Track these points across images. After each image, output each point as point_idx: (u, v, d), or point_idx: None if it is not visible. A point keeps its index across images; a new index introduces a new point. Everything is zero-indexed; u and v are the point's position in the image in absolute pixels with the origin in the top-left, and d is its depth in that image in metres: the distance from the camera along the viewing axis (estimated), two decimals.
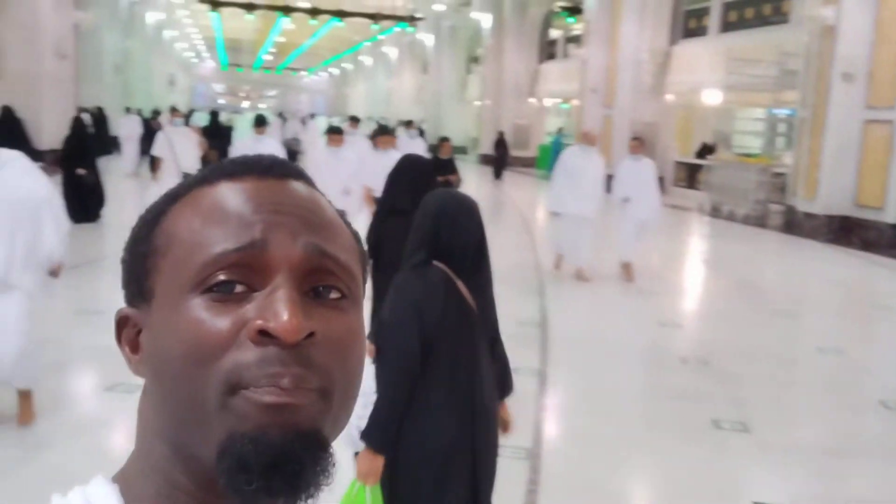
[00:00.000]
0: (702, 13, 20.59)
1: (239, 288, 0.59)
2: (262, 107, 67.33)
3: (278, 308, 0.57)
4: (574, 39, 27.35)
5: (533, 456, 4.47)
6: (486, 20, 30.59)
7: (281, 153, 7.19)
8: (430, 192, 2.68)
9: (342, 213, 0.69)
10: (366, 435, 2.42)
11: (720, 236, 14.85)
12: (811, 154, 13.69)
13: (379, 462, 2.40)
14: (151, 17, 35.47)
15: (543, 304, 8.34)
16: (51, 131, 18.59)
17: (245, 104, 70.39)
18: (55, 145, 18.63)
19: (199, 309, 0.59)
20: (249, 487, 0.56)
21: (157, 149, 10.35)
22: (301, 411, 0.57)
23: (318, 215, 0.64)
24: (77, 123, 12.79)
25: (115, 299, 0.69)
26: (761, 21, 18.43)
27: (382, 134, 10.62)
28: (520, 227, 14.76)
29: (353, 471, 2.45)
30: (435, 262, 2.49)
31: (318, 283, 0.61)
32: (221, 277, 0.59)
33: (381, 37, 41.38)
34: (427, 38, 38.37)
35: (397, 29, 36.32)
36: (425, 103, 39.15)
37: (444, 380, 2.45)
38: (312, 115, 32.29)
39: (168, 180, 9.88)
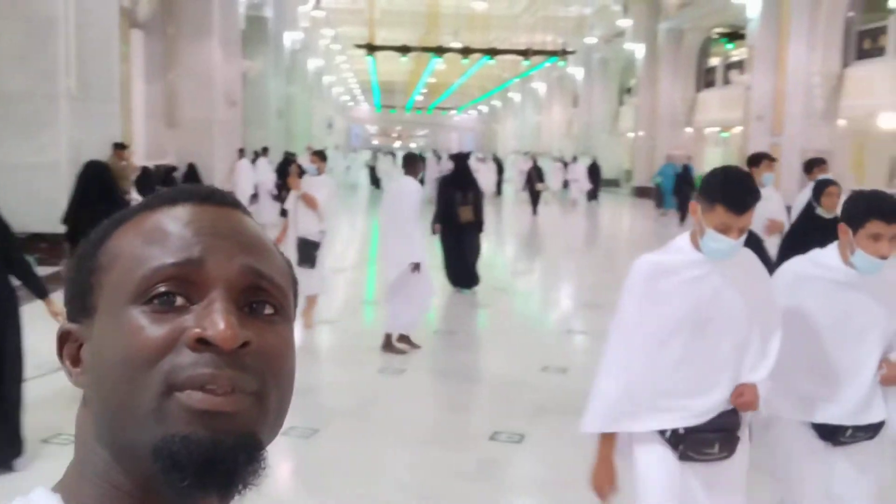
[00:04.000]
0: (877, 33, 19.25)
1: (179, 301, 0.63)
2: (413, 146, 69.09)
3: (215, 318, 0.62)
4: (734, 65, 26.30)
5: None
6: (639, 50, 30.05)
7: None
8: None
9: (275, 244, 0.72)
10: None
11: None
12: None
13: None
14: (312, 64, 37.09)
15: None
16: (222, 175, 19.62)
17: (397, 144, 72.42)
18: (224, 188, 19.65)
19: (139, 318, 0.63)
20: (183, 484, 0.60)
21: (290, 202, 8.14)
22: (236, 417, 0.61)
23: (253, 240, 0.68)
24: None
25: None
26: None
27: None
28: None
29: None
30: None
31: (252, 300, 0.65)
32: (161, 289, 0.63)
33: (530, 72, 41.48)
34: (577, 72, 38.13)
35: (547, 64, 36.27)
36: (576, 136, 38.82)
37: None
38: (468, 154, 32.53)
39: (286, 245, 7.72)
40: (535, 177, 21.70)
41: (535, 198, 22.17)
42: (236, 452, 0.61)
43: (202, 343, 0.61)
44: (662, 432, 2.66)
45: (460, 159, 10.47)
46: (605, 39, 34.82)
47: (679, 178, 20.57)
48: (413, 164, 7.39)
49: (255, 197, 18.43)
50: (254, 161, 19.72)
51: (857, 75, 19.59)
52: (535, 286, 12.24)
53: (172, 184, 17.34)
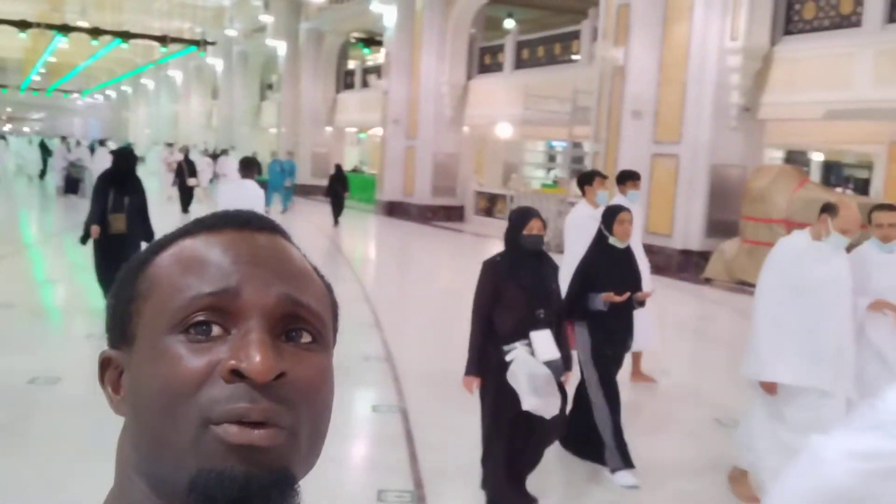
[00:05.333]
0: (496, 50, 21.58)
1: (216, 330, 0.63)
2: (26, 130, 62.42)
3: (250, 350, 0.61)
4: (372, 70, 27.69)
5: (419, 499, 4.44)
6: (280, 47, 30.26)
7: None
8: None
9: (315, 267, 0.73)
10: None
11: None
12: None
13: None
14: None
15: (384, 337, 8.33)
16: None
17: (7, 127, 64.86)
18: None
19: (177, 347, 0.63)
20: None
21: None
22: (270, 452, 0.61)
23: (291, 266, 0.68)
24: None
25: None
26: (552, 60, 19.61)
27: None
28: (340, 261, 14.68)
29: None
30: None
31: (290, 328, 0.65)
32: (199, 318, 0.63)
33: (167, 59, 39.69)
34: (217, 63, 37.34)
35: (186, 52, 35.02)
36: (217, 129, 38.01)
37: None
38: (102, 142, 29.96)
39: None
40: (186, 171, 20.50)
41: (186, 194, 20.54)
42: (269, 489, 0.61)
43: (236, 374, 0.61)
44: None
45: (122, 157, 8.46)
46: (246, 34, 34.57)
47: (332, 179, 20.35)
48: (251, 166, 7.48)
49: None
50: None
51: (479, 87, 21.79)
52: None
53: None
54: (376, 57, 28.86)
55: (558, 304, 4.28)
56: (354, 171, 29.46)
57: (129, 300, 0.68)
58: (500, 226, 19.34)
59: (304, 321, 0.66)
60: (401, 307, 10.52)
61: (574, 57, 18.75)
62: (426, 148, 21.88)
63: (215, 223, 0.69)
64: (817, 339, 4.05)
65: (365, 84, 28.26)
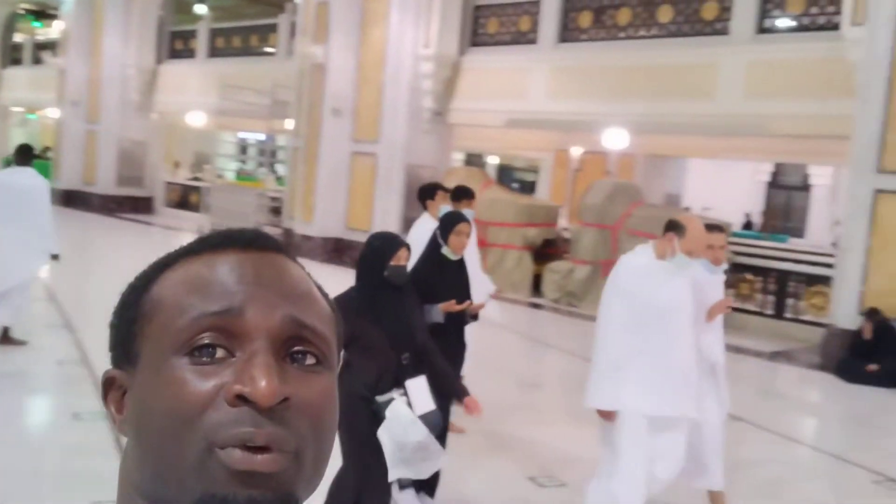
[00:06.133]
0: (188, 35, 20.73)
1: (220, 353, 0.63)
2: None
3: (255, 373, 0.61)
4: (46, 46, 25.20)
5: None
6: None
7: None
8: None
9: (320, 287, 0.72)
10: None
11: None
12: (307, 181, 14.82)
13: None
14: None
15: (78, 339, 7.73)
16: None
17: None
18: None
19: (182, 370, 0.62)
20: None
21: None
22: (274, 478, 0.61)
23: (295, 287, 0.68)
24: None
25: None
26: (249, 51, 19.28)
27: None
28: None
29: None
30: None
31: (294, 349, 0.65)
32: (205, 341, 0.63)
33: None
34: None
35: None
36: None
37: None
38: None
39: None
40: None
41: None
42: None
43: (241, 399, 0.61)
44: None
45: None
46: None
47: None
48: (28, 153, 7.03)
49: None
50: None
51: (170, 73, 20.78)
52: None
53: None
54: (49, 31, 26.32)
55: (423, 341, 3.68)
56: (38, 157, 26.59)
57: (133, 320, 0.67)
58: (192, 218, 18.72)
59: (308, 343, 0.66)
60: (91, 306, 9.78)
61: (271, 49, 18.60)
62: (110, 133, 20.46)
63: (220, 242, 0.69)
64: (664, 364, 3.86)
65: (37, 61, 25.64)
